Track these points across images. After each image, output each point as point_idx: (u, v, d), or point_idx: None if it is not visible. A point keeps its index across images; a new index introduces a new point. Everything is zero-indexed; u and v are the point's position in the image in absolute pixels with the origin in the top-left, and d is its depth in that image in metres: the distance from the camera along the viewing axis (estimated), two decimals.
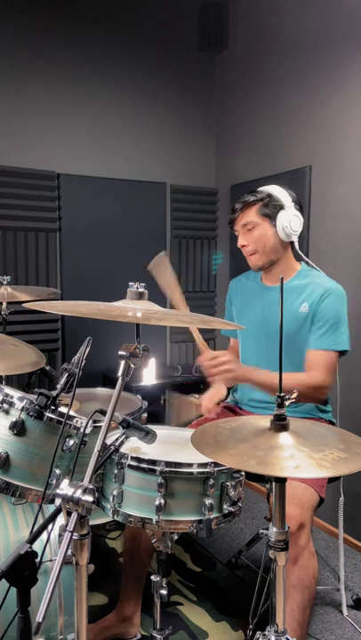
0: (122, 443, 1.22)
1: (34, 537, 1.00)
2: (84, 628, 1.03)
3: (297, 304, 1.84)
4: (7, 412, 1.34)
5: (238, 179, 3.23)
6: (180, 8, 3.21)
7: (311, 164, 2.67)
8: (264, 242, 1.88)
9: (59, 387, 1.36)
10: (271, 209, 1.86)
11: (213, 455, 1.05)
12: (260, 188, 1.91)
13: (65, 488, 0.97)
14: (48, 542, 1.28)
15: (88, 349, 1.28)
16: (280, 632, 1.14)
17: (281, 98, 2.87)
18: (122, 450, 1.23)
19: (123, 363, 1.14)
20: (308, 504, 1.60)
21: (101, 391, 2.10)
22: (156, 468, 1.22)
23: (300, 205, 1.91)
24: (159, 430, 1.30)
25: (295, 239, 1.89)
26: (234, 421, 1.23)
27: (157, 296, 1.25)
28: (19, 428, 1.31)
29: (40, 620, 0.87)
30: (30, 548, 0.96)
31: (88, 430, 1.36)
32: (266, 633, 1.16)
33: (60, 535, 0.98)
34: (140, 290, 1.22)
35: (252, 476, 1.32)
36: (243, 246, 1.92)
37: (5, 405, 1.34)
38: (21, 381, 2.64)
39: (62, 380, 1.37)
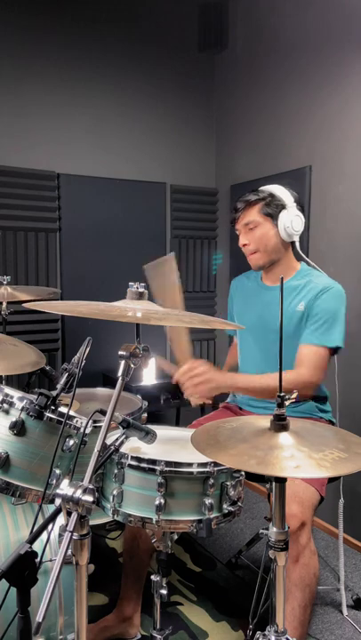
0: (122, 443, 1.22)
1: (34, 537, 1.00)
2: (84, 627, 1.03)
3: (294, 303, 1.84)
4: (7, 411, 1.34)
5: (238, 179, 3.23)
6: (180, 8, 3.21)
7: (311, 164, 2.67)
8: (266, 241, 1.88)
9: (59, 387, 1.36)
10: (273, 208, 1.86)
11: (213, 455, 1.06)
12: (261, 188, 1.91)
13: (65, 488, 0.98)
14: (48, 542, 1.28)
15: (88, 349, 1.28)
16: (280, 632, 1.14)
17: (281, 98, 2.87)
18: (122, 450, 1.23)
19: (123, 363, 1.14)
20: (309, 503, 1.60)
21: (101, 391, 2.10)
22: (156, 467, 1.22)
23: (302, 205, 1.91)
24: (159, 430, 1.30)
25: (296, 239, 1.89)
26: (234, 421, 1.23)
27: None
28: (19, 428, 1.31)
29: (40, 620, 0.87)
30: (30, 547, 0.96)
31: (88, 430, 1.36)
32: (266, 633, 1.16)
33: (60, 535, 0.98)
34: (140, 290, 1.22)
35: (252, 476, 1.32)
36: (244, 245, 1.92)
37: (5, 405, 1.34)
38: (21, 381, 2.64)
39: (62, 380, 1.37)
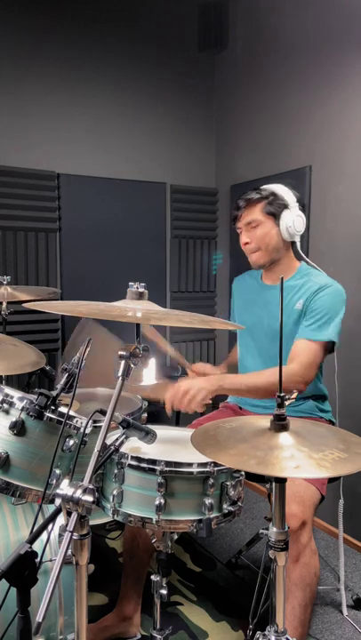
0: (122, 443, 1.22)
1: (34, 537, 1.00)
2: (84, 628, 1.03)
3: (293, 302, 1.84)
4: (7, 412, 1.33)
5: (238, 179, 3.23)
6: (180, 8, 3.21)
7: (311, 164, 2.67)
8: (267, 240, 1.87)
9: (59, 387, 1.36)
10: (276, 207, 1.85)
11: (213, 455, 1.06)
12: (263, 186, 1.91)
13: (65, 488, 0.98)
14: (48, 542, 1.28)
15: (88, 349, 1.28)
16: (280, 632, 1.14)
17: (281, 98, 2.87)
18: (122, 450, 1.23)
19: (123, 363, 1.14)
20: (310, 502, 1.60)
21: (101, 391, 2.10)
22: (156, 467, 1.22)
23: (303, 205, 1.91)
24: (159, 430, 1.30)
25: (297, 239, 1.89)
26: (234, 421, 1.23)
27: (155, 297, 1.25)
28: (19, 428, 1.31)
29: (40, 620, 0.87)
30: (30, 547, 0.96)
31: (88, 430, 1.36)
32: (266, 633, 1.16)
33: (60, 535, 0.98)
34: (140, 290, 1.22)
35: (252, 476, 1.32)
36: (246, 244, 1.92)
37: (5, 405, 1.34)
38: (21, 381, 2.64)
39: (62, 380, 1.37)
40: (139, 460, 1.24)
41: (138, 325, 1.26)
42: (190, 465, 1.23)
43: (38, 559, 0.98)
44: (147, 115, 3.21)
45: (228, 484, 1.26)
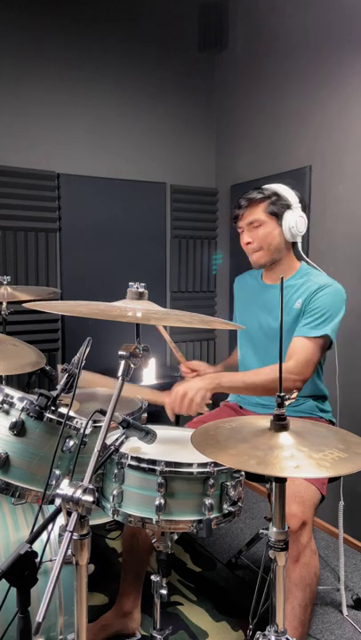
0: (122, 443, 1.22)
1: (34, 537, 1.00)
2: (84, 627, 1.03)
3: (292, 301, 1.84)
4: (7, 412, 1.34)
5: (238, 179, 3.23)
6: (180, 8, 3.21)
7: (311, 164, 2.67)
8: (270, 240, 1.87)
9: (59, 387, 1.36)
10: (278, 208, 1.85)
11: (213, 455, 1.06)
12: (265, 186, 1.90)
13: (65, 488, 0.98)
14: (48, 542, 1.28)
15: (88, 349, 1.28)
16: (280, 632, 1.14)
17: (281, 98, 2.87)
18: (122, 450, 1.23)
19: (123, 363, 1.14)
20: (310, 502, 1.60)
21: (101, 391, 2.09)
22: (156, 467, 1.21)
23: (305, 205, 1.90)
24: (159, 430, 1.30)
25: (299, 240, 1.89)
26: (234, 421, 1.23)
27: (155, 297, 1.25)
28: (19, 429, 1.31)
29: (40, 620, 0.87)
30: (30, 547, 0.96)
31: (88, 430, 1.36)
32: (266, 633, 1.16)
33: (60, 535, 0.98)
34: (140, 290, 1.22)
35: (252, 476, 1.32)
36: (248, 243, 1.91)
37: (5, 406, 1.34)
38: (21, 381, 2.64)
39: (62, 381, 1.36)
40: (139, 460, 1.24)
41: (138, 325, 1.26)
42: (190, 465, 1.23)
43: (38, 559, 0.98)
44: (147, 115, 3.21)
45: (228, 484, 1.26)
